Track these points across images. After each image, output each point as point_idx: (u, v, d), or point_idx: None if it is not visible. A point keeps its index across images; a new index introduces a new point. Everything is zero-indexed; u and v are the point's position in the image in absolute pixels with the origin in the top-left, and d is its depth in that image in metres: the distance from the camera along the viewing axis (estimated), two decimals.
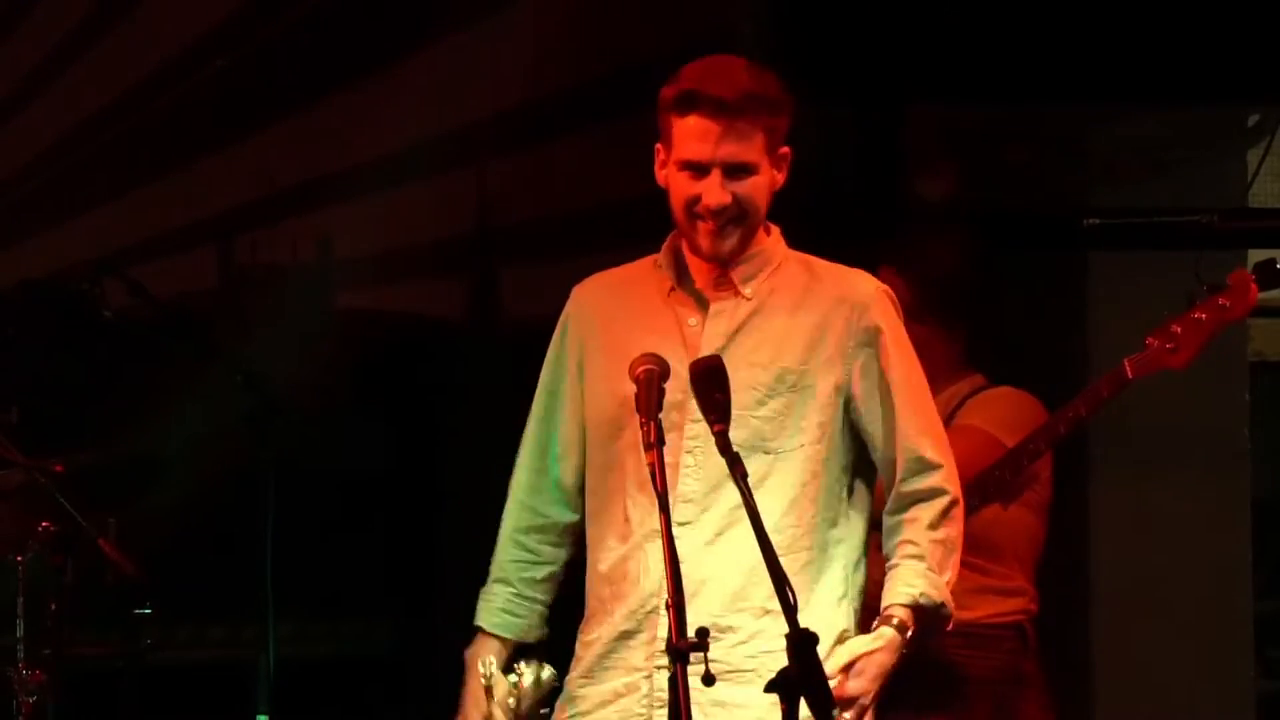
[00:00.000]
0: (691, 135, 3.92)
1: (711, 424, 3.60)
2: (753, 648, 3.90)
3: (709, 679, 3.43)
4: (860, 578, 3.99)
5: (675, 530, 3.68)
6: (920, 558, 3.89)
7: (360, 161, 6.26)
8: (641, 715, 3.91)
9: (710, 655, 3.60)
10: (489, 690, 4.00)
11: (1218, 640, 6.43)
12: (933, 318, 4.57)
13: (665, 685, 3.82)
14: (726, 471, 3.66)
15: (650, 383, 3.63)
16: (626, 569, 3.96)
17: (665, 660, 3.76)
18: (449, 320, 6.47)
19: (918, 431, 3.96)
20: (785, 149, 4.00)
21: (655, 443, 3.53)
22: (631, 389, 3.69)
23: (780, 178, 4.00)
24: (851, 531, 3.98)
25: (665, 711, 3.82)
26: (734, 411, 3.71)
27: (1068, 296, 6.33)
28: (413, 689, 6.05)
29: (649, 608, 3.91)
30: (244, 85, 6.34)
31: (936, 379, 4.64)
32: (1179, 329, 4.19)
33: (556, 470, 4.11)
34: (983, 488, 4.39)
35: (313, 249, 6.47)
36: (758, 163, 3.93)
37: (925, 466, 3.95)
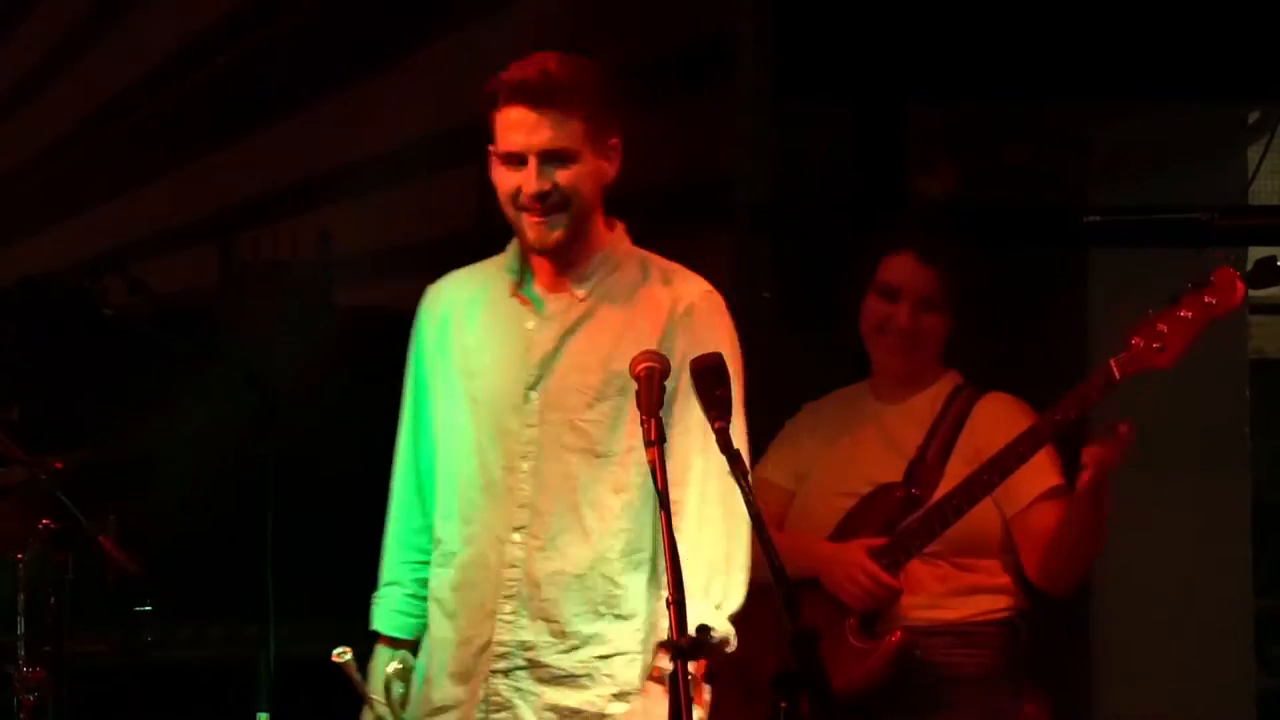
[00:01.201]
0: (509, 126, 3.93)
1: (712, 421, 3.60)
2: (586, 653, 3.93)
3: (711, 677, 3.45)
4: None
5: (514, 536, 3.85)
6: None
7: (360, 159, 6.26)
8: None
9: (545, 660, 3.79)
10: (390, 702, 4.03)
11: (1218, 639, 6.43)
12: (948, 309, 4.56)
13: (499, 690, 3.91)
14: (563, 476, 3.82)
15: (650, 380, 3.63)
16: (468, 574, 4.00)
17: (500, 665, 3.90)
18: None
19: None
20: (614, 139, 3.97)
21: (656, 440, 3.54)
22: (477, 393, 3.86)
23: (610, 169, 3.98)
24: None
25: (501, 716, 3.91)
26: (564, 415, 3.82)
27: (1068, 294, 6.33)
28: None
29: (486, 611, 3.95)
30: (244, 84, 6.34)
31: (925, 372, 4.65)
32: (1164, 327, 4.17)
33: (430, 473, 4.12)
34: (970, 491, 4.39)
35: (313, 247, 6.47)
36: (577, 150, 3.92)
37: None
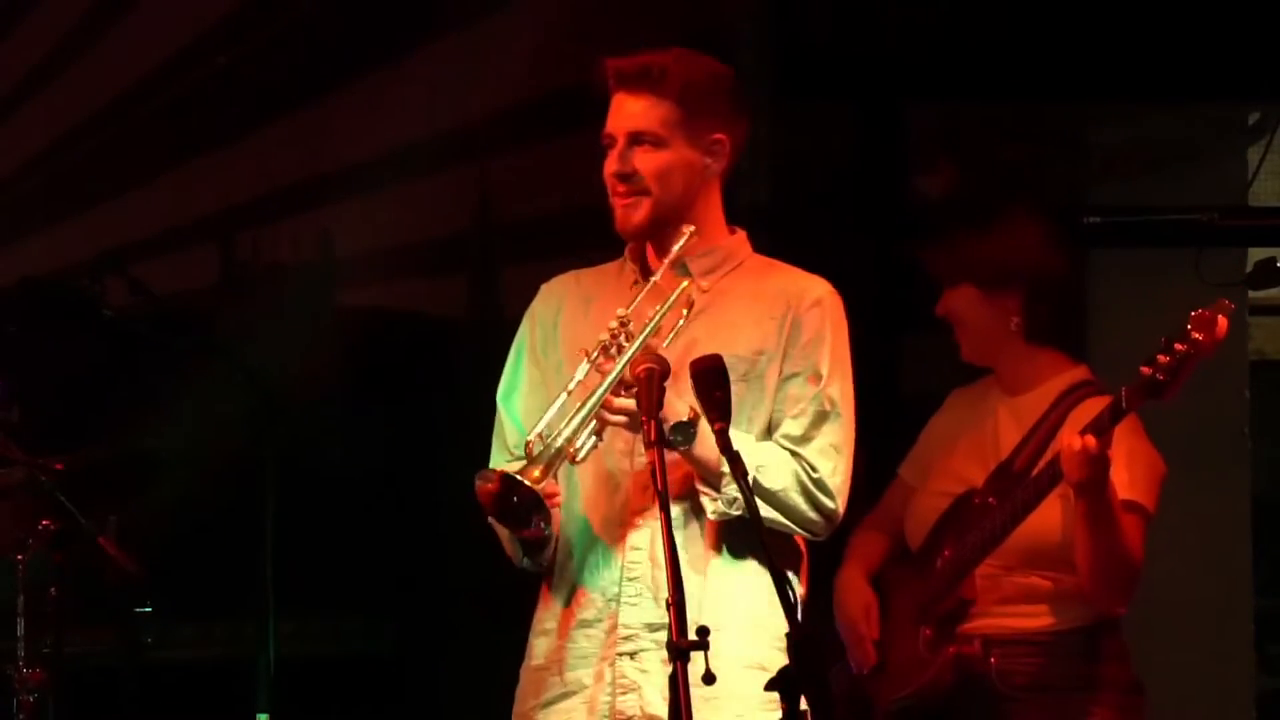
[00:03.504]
0: (610, 112, 3.98)
1: (712, 422, 3.61)
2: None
3: (710, 678, 3.44)
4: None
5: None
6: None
7: (360, 159, 6.26)
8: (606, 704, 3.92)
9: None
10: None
11: (1218, 639, 6.43)
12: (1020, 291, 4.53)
13: (627, 673, 3.88)
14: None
15: (651, 381, 3.64)
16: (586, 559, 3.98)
17: (626, 648, 3.86)
18: (449, 318, 6.47)
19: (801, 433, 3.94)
20: (719, 135, 3.99)
21: (655, 441, 3.54)
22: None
23: (713, 164, 4.00)
24: None
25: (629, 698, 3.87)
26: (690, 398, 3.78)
27: None
28: (413, 689, 6.05)
29: (609, 596, 3.93)
30: (244, 84, 6.34)
31: (1043, 365, 4.53)
32: (1164, 359, 4.15)
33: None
34: (1013, 512, 4.35)
35: (313, 247, 6.47)
36: (665, 136, 3.94)
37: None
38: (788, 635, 3.41)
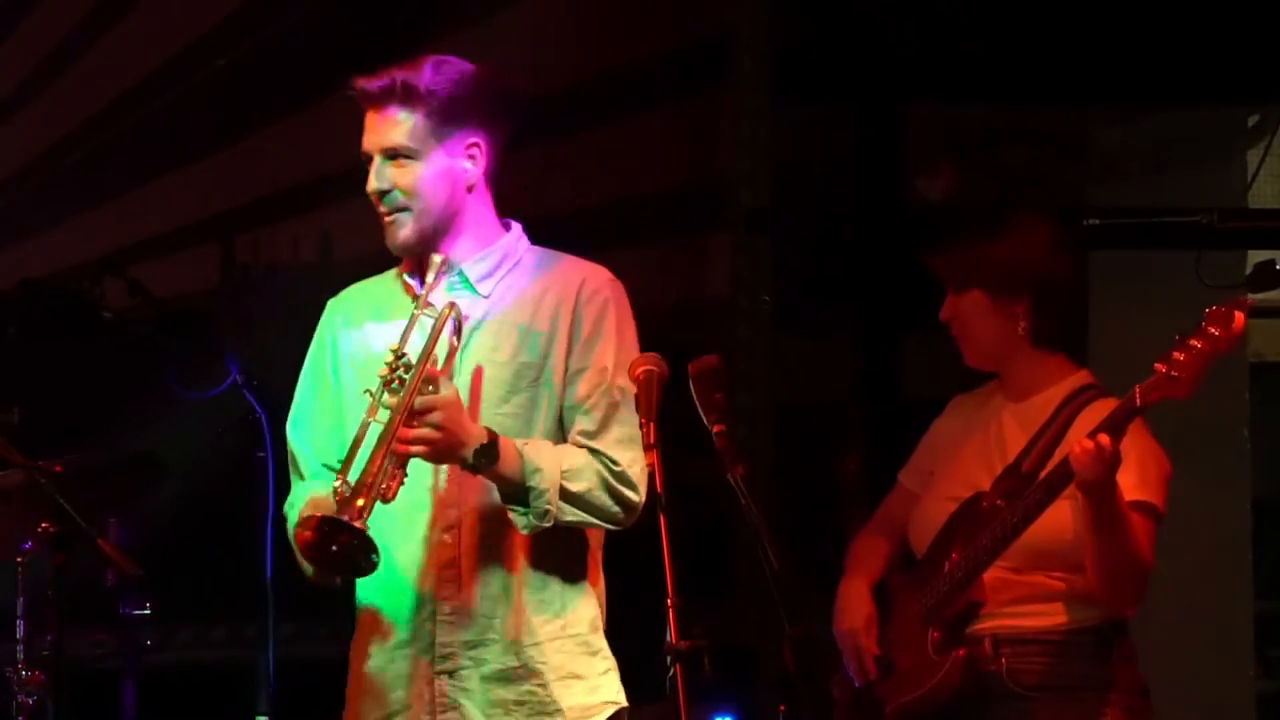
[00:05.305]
0: (365, 130, 4.00)
1: (712, 424, 3.61)
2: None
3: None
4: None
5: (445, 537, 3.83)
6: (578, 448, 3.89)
7: (360, 161, 6.25)
8: None
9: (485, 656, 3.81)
10: None
11: (1218, 640, 6.43)
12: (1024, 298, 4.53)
13: (447, 692, 3.89)
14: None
15: (649, 384, 3.63)
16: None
17: (444, 666, 3.88)
18: None
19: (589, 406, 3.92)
20: (475, 139, 3.96)
21: (654, 444, 3.54)
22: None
23: (473, 168, 3.97)
24: None
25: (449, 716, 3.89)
26: (480, 410, 3.81)
27: None
28: None
29: (425, 615, 3.93)
30: (244, 86, 6.34)
31: (1047, 370, 4.51)
32: (1181, 356, 4.15)
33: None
34: (1025, 513, 4.34)
35: (313, 248, 6.47)
36: (416, 149, 3.93)
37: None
38: (786, 636, 3.41)
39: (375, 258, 6.18)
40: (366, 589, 4.00)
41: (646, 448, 3.55)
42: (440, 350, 3.85)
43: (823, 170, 6.34)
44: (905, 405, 6.08)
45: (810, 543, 5.31)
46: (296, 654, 5.20)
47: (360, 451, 3.77)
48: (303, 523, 3.75)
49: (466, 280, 3.98)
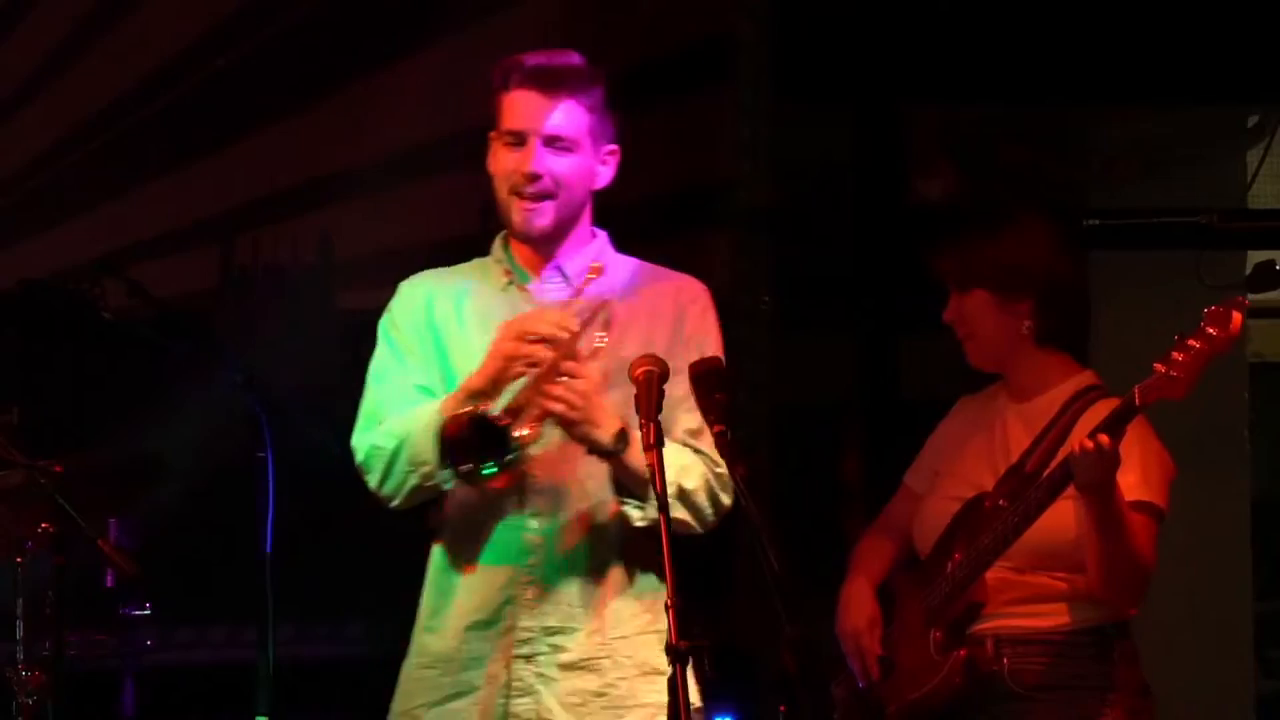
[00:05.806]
0: (516, 105, 3.97)
1: (711, 425, 3.61)
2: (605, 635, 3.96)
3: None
4: None
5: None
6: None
7: (360, 162, 6.26)
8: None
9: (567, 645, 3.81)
10: None
11: (1218, 640, 6.43)
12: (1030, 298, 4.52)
13: (523, 676, 3.90)
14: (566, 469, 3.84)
15: (650, 384, 3.64)
16: None
17: (523, 650, 3.88)
18: None
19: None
20: (613, 146, 4.02)
21: (655, 444, 3.54)
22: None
23: (604, 175, 4.02)
24: None
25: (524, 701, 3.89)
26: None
27: None
28: None
29: (506, 598, 3.94)
30: (244, 85, 6.34)
31: (1051, 371, 4.52)
32: (1179, 356, 4.15)
33: None
34: (1026, 513, 4.34)
35: (314, 249, 6.47)
36: (578, 141, 3.96)
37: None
38: (784, 636, 3.41)
39: (376, 258, 6.20)
40: (444, 569, 4.02)
41: (647, 448, 3.55)
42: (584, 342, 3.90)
43: (823, 170, 6.34)
44: (905, 406, 6.08)
45: (810, 543, 5.31)
46: (296, 654, 5.20)
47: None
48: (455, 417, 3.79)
49: (566, 277, 4.03)
